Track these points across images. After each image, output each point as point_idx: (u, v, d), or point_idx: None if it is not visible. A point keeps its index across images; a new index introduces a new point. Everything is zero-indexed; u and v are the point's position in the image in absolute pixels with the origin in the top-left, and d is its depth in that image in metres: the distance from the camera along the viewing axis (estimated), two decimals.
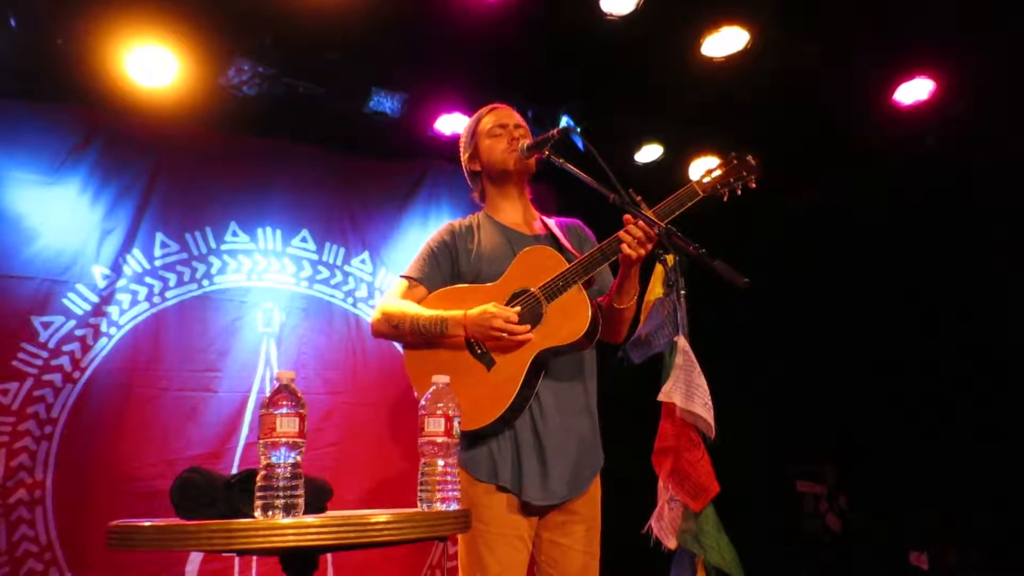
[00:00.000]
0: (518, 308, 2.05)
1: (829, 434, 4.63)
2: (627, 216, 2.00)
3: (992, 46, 3.48)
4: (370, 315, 3.81)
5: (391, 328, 2.14)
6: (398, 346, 3.84)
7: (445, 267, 2.25)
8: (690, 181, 2.13)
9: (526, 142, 2.25)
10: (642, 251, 1.98)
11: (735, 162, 2.14)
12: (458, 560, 2.10)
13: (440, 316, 2.09)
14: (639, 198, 2.02)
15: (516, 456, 2.03)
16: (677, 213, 2.07)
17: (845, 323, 4.63)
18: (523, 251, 2.17)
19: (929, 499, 4.27)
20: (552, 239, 2.28)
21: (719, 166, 2.16)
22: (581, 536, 2.09)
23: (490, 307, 2.04)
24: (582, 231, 2.39)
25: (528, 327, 2.02)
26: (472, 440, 2.07)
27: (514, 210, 2.34)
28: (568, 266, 2.08)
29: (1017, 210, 3.87)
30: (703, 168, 2.09)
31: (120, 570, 3.02)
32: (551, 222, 2.34)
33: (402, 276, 2.26)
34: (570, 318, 2.04)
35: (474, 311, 2.06)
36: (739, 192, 2.14)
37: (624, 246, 1.98)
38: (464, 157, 2.39)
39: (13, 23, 3.02)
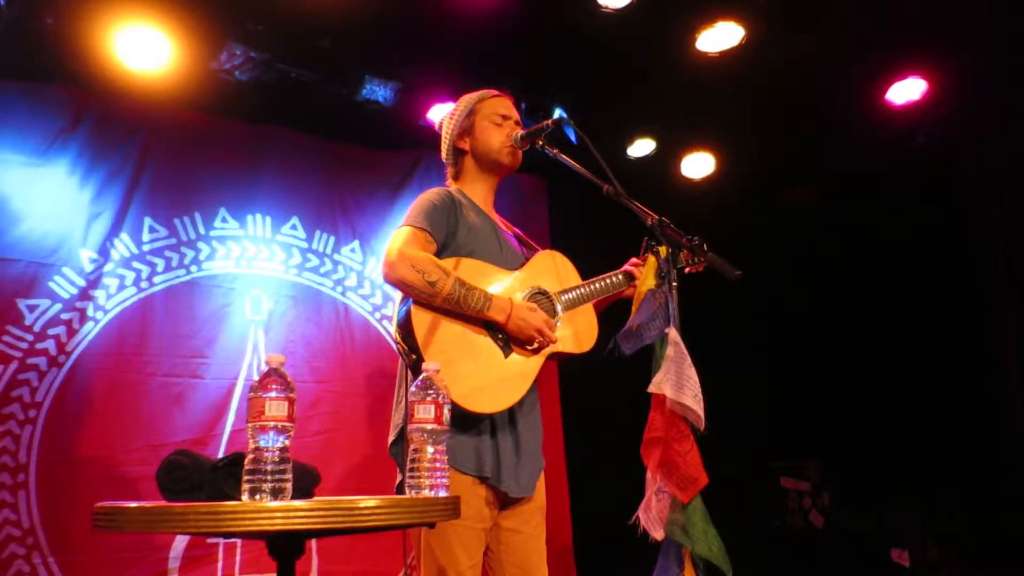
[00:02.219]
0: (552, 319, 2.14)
1: (814, 432, 4.66)
2: (633, 260, 2.31)
3: (986, 47, 3.51)
4: (359, 303, 3.82)
5: (422, 281, 1.95)
6: (386, 328, 3.84)
7: (449, 229, 2.13)
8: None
9: (519, 132, 2.25)
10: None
11: (696, 242, 2.22)
12: (421, 551, 2.04)
13: (485, 294, 2.02)
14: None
15: (495, 448, 2.04)
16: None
17: (833, 321, 4.65)
18: (542, 252, 2.29)
19: (910, 498, 4.30)
20: (518, 240, 2.35)
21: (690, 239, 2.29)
22: (538, 523, 2.16)
23: (539, 310, 2.09)
24: (527, 240, 2.44)
25: (556, 338, 2.12)
26: (455, 430, 2.05)
27: (488, 199, 2.32)
28: (584, 283, 2.27)
29: (1007, 208, 3.90)
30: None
31: (103, 555, 3.01)
32: (510, 224, 2.40)
33: (413, 226, 2.07)
34: (582, 331, 2.22)
35: (523, 306, 2.07)
36: (687, 271, 2.22)
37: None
38: (453, 130, 2.30)
39: (3, 2, 2.98)
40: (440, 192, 2.18)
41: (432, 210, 2.11)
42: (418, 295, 1.97)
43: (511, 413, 2.08)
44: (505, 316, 2.02)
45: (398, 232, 2.06)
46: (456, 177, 2.35)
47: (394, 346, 2.06)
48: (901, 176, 4.19)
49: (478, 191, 2.30)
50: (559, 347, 2.13)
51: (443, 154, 2.36)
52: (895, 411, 4.37)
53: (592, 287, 2.27)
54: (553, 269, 2.26)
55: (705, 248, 2.07)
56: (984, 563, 4.06)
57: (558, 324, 2.15)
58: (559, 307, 2.19)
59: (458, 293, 1.97)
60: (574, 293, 2.23)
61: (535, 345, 2.08)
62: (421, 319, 1.98)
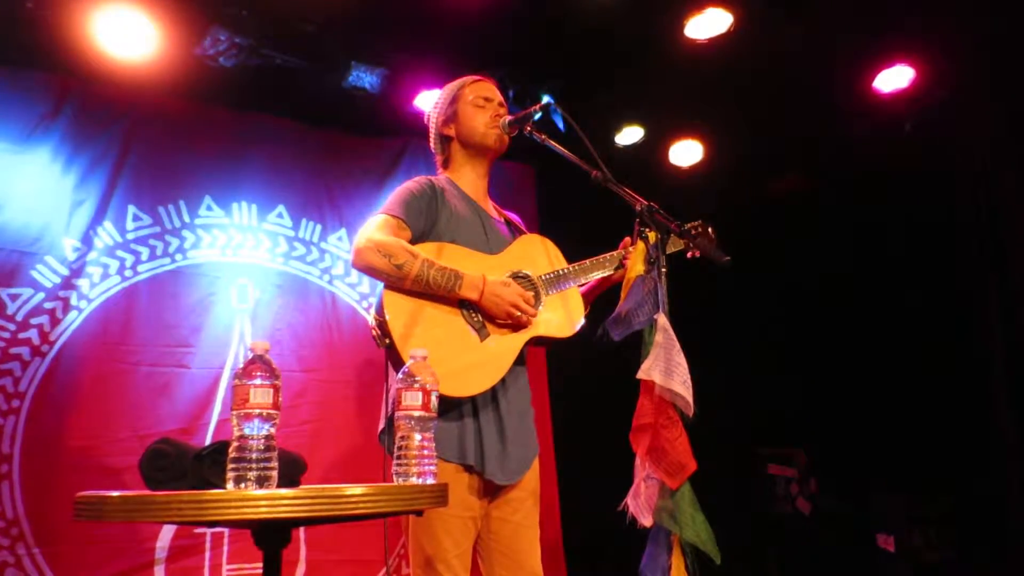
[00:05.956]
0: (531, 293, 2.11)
1: (800, 418, 4.68)
2: (627, 239, 2.24)
3: (974, 34, 3.50)
4: (346, 291, 3.80)
5: (389, 265, 1.93)
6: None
7: (428, 218, 2.11)
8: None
9: (507, 118, 2.24)
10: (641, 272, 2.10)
11: (684, 227, 2.21)
12: (408, 540, 2.03)
13: (455, 271, 1.99)
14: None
15: (478, 435, 2.02)
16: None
17: (819, 308, 4.67)
18: (524, 236, 2.28)
19: (896, 484, 4.34)
20: (509, 227, 2.33)
21: (694, 226, 2.35)
22: (528, 511, 2.15)
23: (514, 284, 2.08)
24: (520, 226, 2.42)
25: (535, 312, 2.10)
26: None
27: (478, 185, 2.32)
28: (570, 266, 2.24)
29: (991, 197, 3.91)
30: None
31: (88, 545, 2.98)
32: (503, 210, 2.39)
33: (386, 213, 2.06)
34: (567, 314, 2.19)
35: (496, 280, 2.04)
36: (688, 256, 2.29)
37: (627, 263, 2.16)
38: (438, 119, 2.31)
39: None
40: (420, 181, 2.17)
41: (408, 198, 2.10)
42: (387, 279, 1.97)
43: (494, 399, 2.06)
44: (478, 293, 2.00)
45: (369, 220, 2.06)
46: (445, 165, 2.35)
47: (372, 333, 2.01)
48: (890, 163, 4.18)
49: (466, 178, 2.30)
50: (540, 330, 2.12)
51: (431, 144, 2.36)
52: (880, 398, 4.40)
53: (576, 269, 2.24)
54: (536, 253, 2.24)
55: (693, 233, 2.07)
56: (967, 547, 4.09)
57: (540, 307, 2.14)
58: (542, 290, 2.17)
59: (427, 274, 1.96)
60: (557, 276, 2.20)
61: (512, 322, 2.06)
62: (393, 303, 1.97)
